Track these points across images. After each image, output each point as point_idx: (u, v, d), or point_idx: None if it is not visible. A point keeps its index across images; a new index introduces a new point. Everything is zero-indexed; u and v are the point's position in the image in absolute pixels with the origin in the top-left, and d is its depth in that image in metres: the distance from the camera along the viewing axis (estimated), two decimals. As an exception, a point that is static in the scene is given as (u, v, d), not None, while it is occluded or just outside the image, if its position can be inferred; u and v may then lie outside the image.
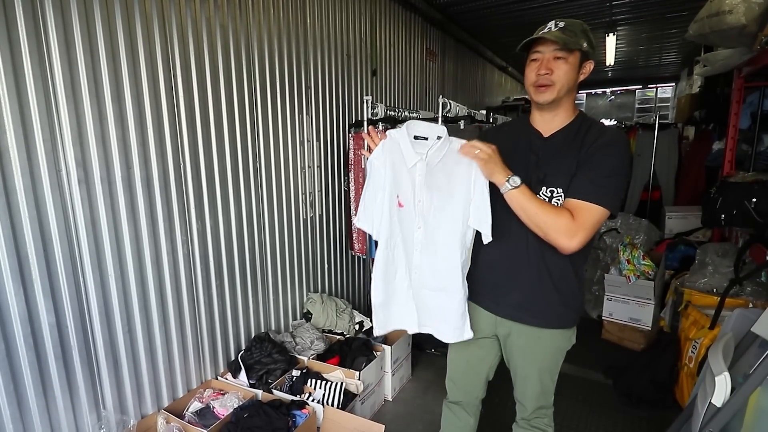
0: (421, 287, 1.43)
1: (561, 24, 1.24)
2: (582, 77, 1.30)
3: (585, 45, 1.25)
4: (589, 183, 1.24)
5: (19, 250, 1.52)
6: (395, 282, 1.44)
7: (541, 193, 1.31)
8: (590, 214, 1.22)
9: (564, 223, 1.21)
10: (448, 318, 1.42)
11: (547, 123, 1.36)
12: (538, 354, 1.44)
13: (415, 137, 1.37)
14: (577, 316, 1.43)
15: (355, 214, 3.17)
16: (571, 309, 1.40)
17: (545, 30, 1.26)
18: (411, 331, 1.48)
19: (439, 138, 1.34)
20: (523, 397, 1.53)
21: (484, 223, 1.33)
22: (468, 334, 1.43)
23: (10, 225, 1.48)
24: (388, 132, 1.40)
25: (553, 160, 1.32)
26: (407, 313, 1.46)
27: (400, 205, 1.39)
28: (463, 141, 1.32)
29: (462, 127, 2.73)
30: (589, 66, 1.30)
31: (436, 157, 1.34)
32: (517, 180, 1.23)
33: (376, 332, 1.48)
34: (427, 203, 1.37)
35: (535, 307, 1.39)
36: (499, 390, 1.59)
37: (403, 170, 1.37)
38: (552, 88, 1.26)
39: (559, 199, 1.28)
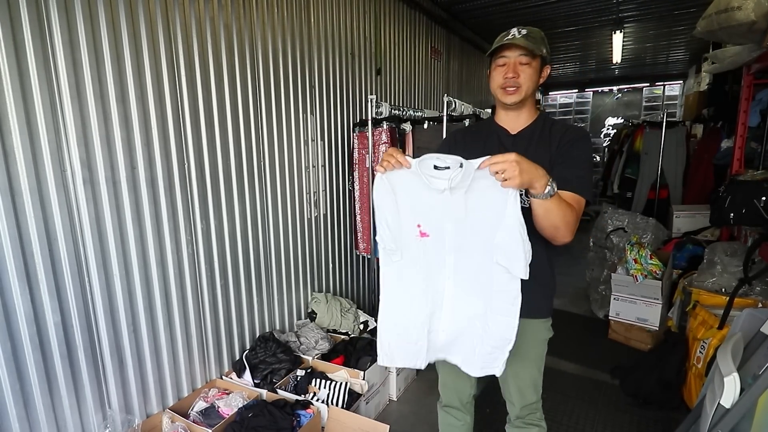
0: (459, 313, 1.31)
1: (524, 31, 1.32)
2: (542, 80, 1.39)
3: (544, 51, 1.33)
4: (573, 174, 1.29)
5: (24, 250, 1.53)
6: (410, 314, 1.33)
7: None
8: (581, 206, 1.29)
9: (574, 219, 1.25)
10: (486, 345, 1.30)
11: (513, 121, 1.43)
12: (523, 346, 1.43)
13: (435, 167, 1.20)
14: (552, 305, 1.48)
15: (359, 213, 3.18)
16: (548, 298, 1.47)
17: (510, 37, 1.32)
18: (418, 367, 1.38)
19: (461, 166, 1.18)
20: (513, 393, 1.52)
21: (515, 260, 1.18)
22: (499, 370, 1.32)
23: (15, 225, 1.49)
24: (390, 172, 1.24)
25: (525, 156, 1.29)
26: (417, 351, 1.36)
27: (423, 234, 1.27)
28: (480, 160, 1.16)
29: (468, 124, 2.72)
30: (547, 70, 1.39)
31: (464, 183, 1.19)
32: (555, 184, 1.15)
33: (381, 361, 1.38)
34: (461, 229, 1.24)
35: (522, 299, 1.39)
36: (500, 390, 1.57)
37: (426, 197, 1.23)
38: (519, 90, 1.34)
39: None
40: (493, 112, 1.56)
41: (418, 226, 1.27)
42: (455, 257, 1.27)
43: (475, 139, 1.49)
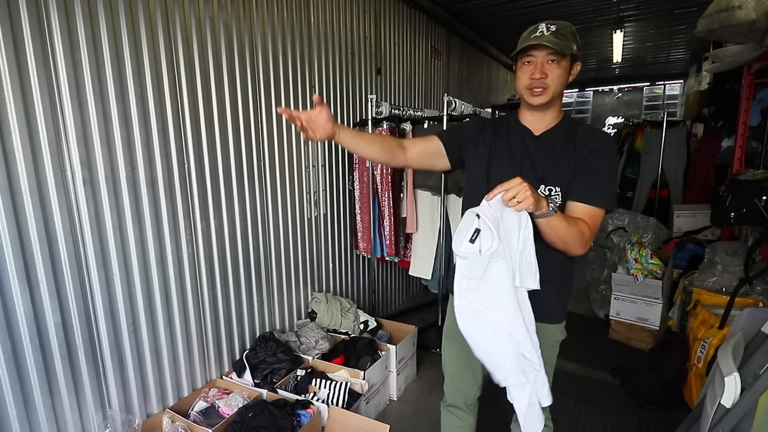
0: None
1: (552, 27, 1.26)
2: (571, 78, 1.33)
3: (575, 48, 1.28)
4: (594, 186, 1.28)
5: (24, 250, 1.53)
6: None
7: (539, 191, 1.32)
8: (598, 218, 1.30)
9: (583, 233, 1.25)
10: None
11: (538, 122, 1.39)
12: (542, 349, 1.45)
13: (471, 240, 1.16)
14: (566, 309, 1.49)
15: (359, 213, 3.18)
16: (562, 302, 1.47)
17: (538, 34, 1.26)
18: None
19: (477, 216, 1.15)
20: None
21: (531, 276, 1.20)
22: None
23: (15, 225, 1.49)
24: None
25: (549, 159, 1.34)
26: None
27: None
28: (493, 201, 1.13)
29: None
30: (577, 67, 1.33)
31: (494, 232, 1.13)
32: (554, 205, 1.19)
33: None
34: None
35: (536, 304, 1.39)
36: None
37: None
38: (546, 92, 1.29)
39: (556, 197, 1.32)
40: (501, 108, 1.53)
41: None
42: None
43: (498, 137, 1.43)
